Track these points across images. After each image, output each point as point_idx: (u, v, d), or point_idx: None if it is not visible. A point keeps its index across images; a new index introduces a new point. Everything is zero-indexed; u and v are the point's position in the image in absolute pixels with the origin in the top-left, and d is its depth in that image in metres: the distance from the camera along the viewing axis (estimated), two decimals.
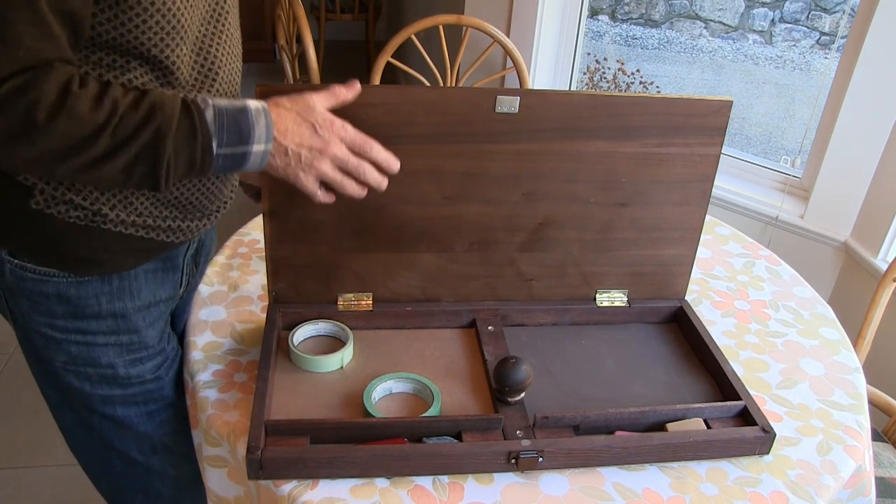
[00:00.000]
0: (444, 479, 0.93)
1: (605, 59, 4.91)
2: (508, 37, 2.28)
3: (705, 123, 1.08)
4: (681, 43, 5.45)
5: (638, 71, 4.63)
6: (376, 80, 2.22)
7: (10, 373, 2.28)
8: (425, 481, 0.93)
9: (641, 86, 4.28)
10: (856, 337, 1.51)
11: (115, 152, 0.81)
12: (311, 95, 0.93)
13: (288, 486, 0.91)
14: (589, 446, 0.95)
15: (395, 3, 4.70)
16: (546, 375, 1.10)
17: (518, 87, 2.26)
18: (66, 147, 0.79)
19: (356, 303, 1.15)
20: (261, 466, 0.90)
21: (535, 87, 2.44)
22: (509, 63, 2.30)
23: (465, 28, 2.22)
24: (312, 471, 0.91)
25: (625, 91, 2.30)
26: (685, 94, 1.06)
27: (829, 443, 1.03)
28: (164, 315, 1.12)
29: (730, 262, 1.45)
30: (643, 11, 5.51)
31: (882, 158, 1.84)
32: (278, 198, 1.05)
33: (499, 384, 1.00)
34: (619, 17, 5.54)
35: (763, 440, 0.98)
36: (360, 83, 0.98)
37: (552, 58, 2.47)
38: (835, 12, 5.26)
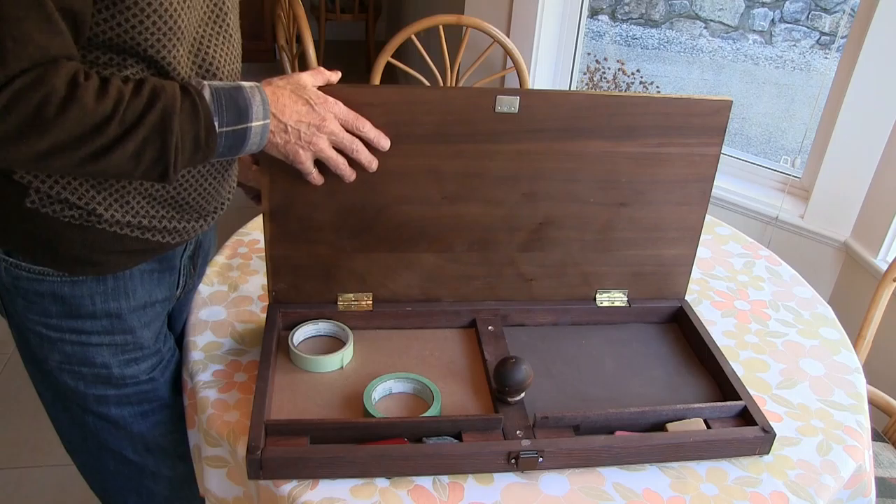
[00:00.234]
0: (444, 479, 0.93)
1: (605, 59, 4.91)
2: (508, 37, 2.27)
3: (705, 123, 1.08)
4: (681, 43, 5.45)
5: (638, 71, 4.64)
6: (376, 80, 2.22)
7: (10, 373, 2.28)
8: (425, 481, 0.93)
9: (641, 86, 4.29)
10: (856, 337, 1.51)
11: (124, 138, 0.82)
12: (300, 74, 0.96)
13: (288, 486, 0.91)
14: (589, 446, 0.95)
15: (395, 3, 4.70)
16: (546, 375, 1.10)
17: (518, 87, 2.26)
18: (76, 138, 0.80)
19: (356, 303, 1.15)
20: (261, 466, 0.90)
21: (535, 87, 2.44)
22: (509, 63, 2.30)
23: (465, 28, 2.22)
24: (312, 471, 0.91)
25: (625, 91, 2.30)
26: (685, 94, 1.06)
27: (829, 443, 1.03)
28: (161, 316, 1.12)
29: (730, 262, 1.45)
30: (643, 11, 5.51)
31: (882, 158, 1.84)
32: (278, 198, 1.05)
33: (499, 384, 1.00)
34: (619, 17, 5.55)
35: (763, 440, 0.98)
36: (360, 83, 0.99)
37: (552, 58, 2.47)
38: (835, 12, 5.26)
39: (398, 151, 1.02)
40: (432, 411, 0.99)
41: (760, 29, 5.41)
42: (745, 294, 1.35)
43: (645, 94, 1.06)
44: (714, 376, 1.11)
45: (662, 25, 5.54)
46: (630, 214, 1.14)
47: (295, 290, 1.13)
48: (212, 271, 1.29)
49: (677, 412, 1.00)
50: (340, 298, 1.15)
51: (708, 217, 1.43)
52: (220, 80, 0.98)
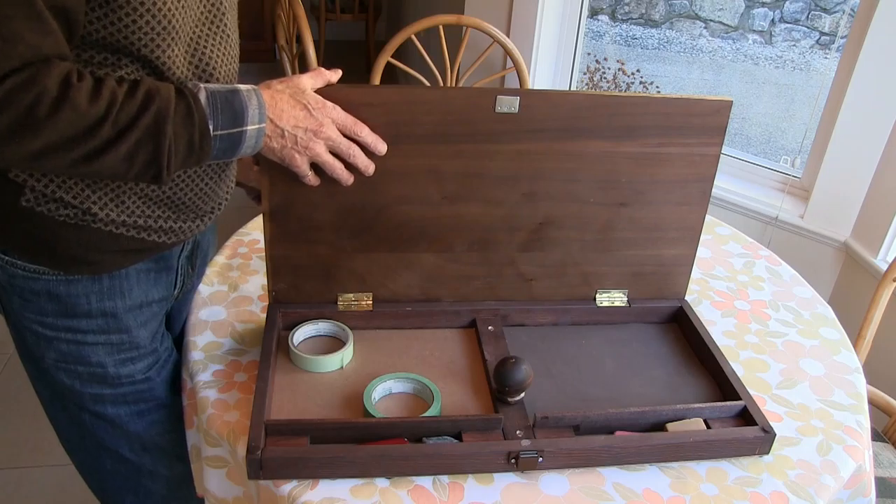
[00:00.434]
0: (444, 479, 0.93)
1: (605, 59, 4.91)
2: (508, 37, 2.27)
3: (705, 123, 1.08)
4: (681, 43, 5.45)
5: (638, 71, 4.64)
6: (376, 80, 2.22)
7: (10, 373, 2.28)
8: (425, 481, 0.93)
9: (641, 86, 4.29)
10: (856, 337, 1.51)
11: (116, 140, 0.82)
12: (300, 77, 0.95)
13: (288, 486, 0.91)
14: (589, 446, 0.95)
15: (395, 3, 4.70)
16: (546, 375, 1.10)
17: (518, 87, 2.26)
18: (68, 139, 0.80)
19: (356, 303, 1.15)
20: (261, 466, 0.90)
21: (535, 87, 2.44)
22: (509, 63, 2.30)
23: (465, 28, 2.22)
24: (312, 471, 0.91)
25: (625, 91, 2.30)
26: (685, 94, 1.06)
27: (829, 443, 1.03)
28: (158, 316, 1.12)
29: (730, 262, 1.45)
30: (643, 11, 5.51)
31: (882, 158, 1.84)
32: (278, 198, 1.05)
33: (499, 384, 1.00)
34: (619, 17, 5.55)
35: (763, 440, 0.98)
36: (360, 83, 0.98)
37: (552, 58, 2.47)
38: (835, 12, 5.26)
39: (398, 151, 1.02)
40: (432, 411, 0.99)
41: (760, 29, 5.41)
42: (745, 294, 1.35)
43: (645, 94, 1.06)
44: (714, 376, 1.11)
45: (662, 25, 5.54)
46: (630, 214, 1.14)
47: (295, 290, 1.13)
48: (212, 271, 1.29)
49: (677, 412, 1.00)
50: (340, 298, 1.15)
51: (708, 217, 1.43)
52: (217, 80, 0.98)
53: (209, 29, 0.96)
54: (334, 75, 0.99)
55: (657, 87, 4.71)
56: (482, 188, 1.08)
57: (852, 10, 1.95)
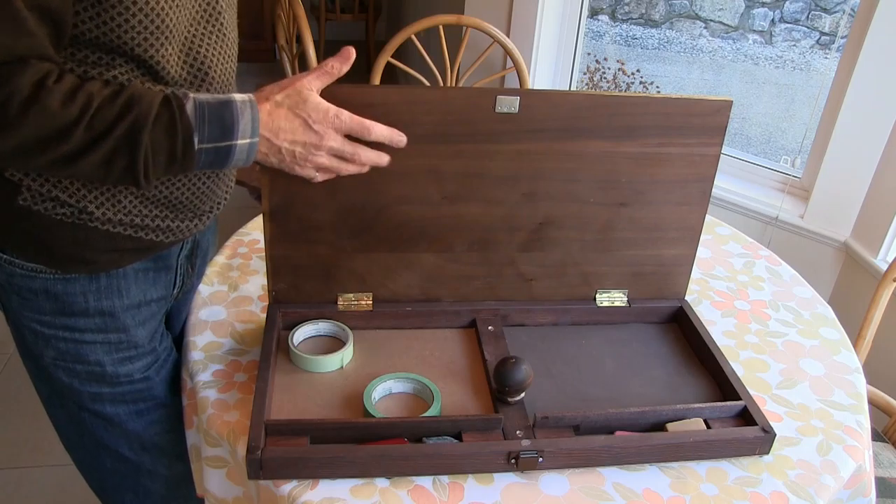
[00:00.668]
0: (444, 479, 0.93)
1: (605, 59, 4.91)
2: (508, 37, 2.28)
3: (705, 123, 1.08)
4: (681, 43, 5.45)
5: (638, 71, 4.64)
6: (376, 80, 2.22)
7: (10, 373, 2.28)
8: (425, 481, 0.93)
9: (641, 86, 4.28)
10: (856, 337, 1.51)
11: (91, 147, 0.81)
12: (303, 83, 0.92)
13: (288, 486, 0.91)
14: (589, 446, 0.95)
15: (395, 3, 4.70)
16: (546, 375, 1.10)
17: (518, 87, 2.26)
18: (39, 141, 0.79)
19: (356, 303, 1.15)
20: (261, 466, 0.90)
21: (535, 87, 2.44)
22: (509, 63, 2.30)
23: (465, 28, 2.22)
24: (312, 471, 0.91)
25: (625, 91, 2.30)
26: (685, 94, 1.06)
27: (829, 443, 1.03)
28: (157, 315, 1.12)
29: (730, 262, 1.45)
30: (643, 11, 5.52)
31: (882, 158, 1.84)
32: (278, 198, 1.05)
33: (499, 384, 1.00)
34: (619, 17, 5.55)
35: (763, 440, 0.98)
36: (360, 83, 0.98)
37: (552, 58, 2.47)
38: (835, 12, 5.26)
39: (398, 151, 1.02)
40: (432, 411, 0.99)
41: (760, 29, 5.41)
42: (745, 294, 1.35)
43: (645, 94, 1.06)
44: (714, 376, 1.11)
45: (662, 25, 5.54)
46: (630, 214, 1.14)
47: (295, 290, 1.13)
48: (212, 271, 1.29)
49: (677, 412, 1.00)
50: (340, 298, 1.15)
51: (708, 217, 1.43)
52: (213, 80, 0.97)
53: (205, 28, 0.95)
54: (344, 64, 0.94)
55: (657, 87, 4.71)
56: (482, 188, 1.08)
57: (852, 10, 1.95)
